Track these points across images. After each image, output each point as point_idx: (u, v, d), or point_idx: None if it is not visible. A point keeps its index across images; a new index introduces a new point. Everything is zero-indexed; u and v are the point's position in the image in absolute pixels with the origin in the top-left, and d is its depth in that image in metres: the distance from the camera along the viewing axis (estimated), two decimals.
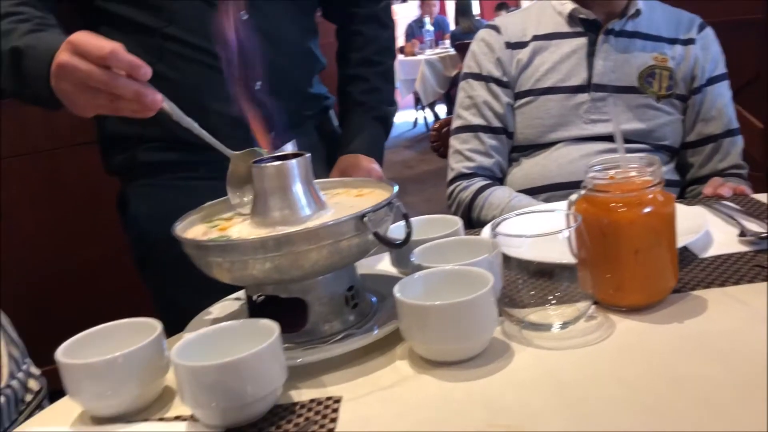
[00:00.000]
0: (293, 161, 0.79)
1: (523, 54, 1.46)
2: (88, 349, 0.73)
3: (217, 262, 0.75)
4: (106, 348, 0.72)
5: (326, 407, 0.68)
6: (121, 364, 0.70)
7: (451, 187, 1.49)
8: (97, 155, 1.29)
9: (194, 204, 0.91)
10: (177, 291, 1.10)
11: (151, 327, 0.75)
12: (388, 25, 1.42)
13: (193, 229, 0.85)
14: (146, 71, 0.81)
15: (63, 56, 0.84)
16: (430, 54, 7.21)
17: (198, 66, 1.13)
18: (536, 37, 1.46)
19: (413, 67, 7.23)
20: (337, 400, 0.69)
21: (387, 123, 1.39)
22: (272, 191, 0.79)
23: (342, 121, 1.41)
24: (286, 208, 0.79)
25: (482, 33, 1.52)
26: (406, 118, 8.49)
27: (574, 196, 0.81)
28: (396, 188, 0.83)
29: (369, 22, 1.39)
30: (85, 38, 0.83)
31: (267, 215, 0.80)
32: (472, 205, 1.43)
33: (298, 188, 0.80)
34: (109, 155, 1.25)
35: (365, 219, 0.74)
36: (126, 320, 0.77)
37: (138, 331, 0.74)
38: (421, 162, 6.23)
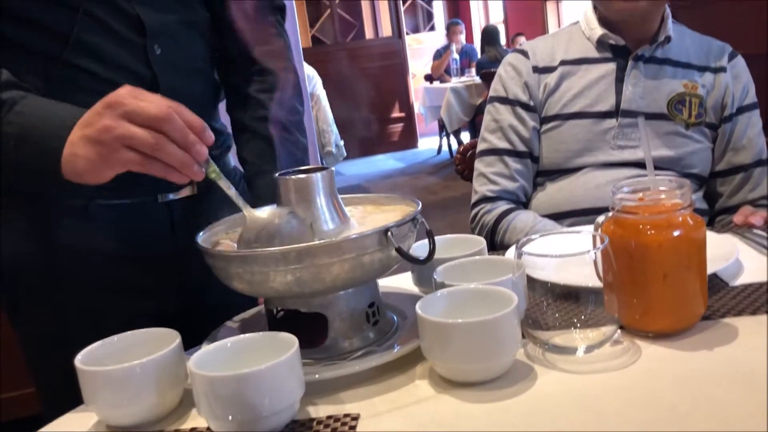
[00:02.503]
0: (317, 174, 0.79)
1: (551, 78, 1.45)
2: (107, 357, 0.73)
3: (238, 273, 0.74)
4: (126, 357, 0.72)
5: (343, 424, 0.67)
6: (139, 373, 0.70)
7: (475, 210, 1.48)
8: None
9: (82, 239, 0.86)
10: (55, 339, 0.94)
11: (170, 337, 0.74)
12: (294, 66, 1.17)
13: (215, 240, 0.85)
14: (210, 135, 0.77)
15: (108, 121, 0.74)
16: (456, 82, 7.24)
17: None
18: (564, 62, 1.45)
19: (439, 94, 7.26)
20: (355, 418, 0.68)
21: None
22: (296, 203, 0.79)
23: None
24: (308, 221, 0.79)
25: (510, 57, 1.52)
26: (431, 145, 8.51)
27: (601, 218, 0.80)
28: (420, 205, 0.83)
29: (275, 60, 1.13)
30: (132, 97, 0.75)
31: None
32: (495, 228, 1.42)
33: (321, 201, 0.79)
34: None
35: (389, 234, 0.73)
36: (146, 330, 0.77)
37: (158, 341, 0.74)
38: (444, 188, 6.23)
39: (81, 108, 0.79)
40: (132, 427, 0.72)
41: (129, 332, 0.77)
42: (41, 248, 0.98)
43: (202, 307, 1.02)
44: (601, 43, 1.43)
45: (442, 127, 7.64)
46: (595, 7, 1.44)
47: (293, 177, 0.79)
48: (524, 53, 1.49)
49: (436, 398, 0.70)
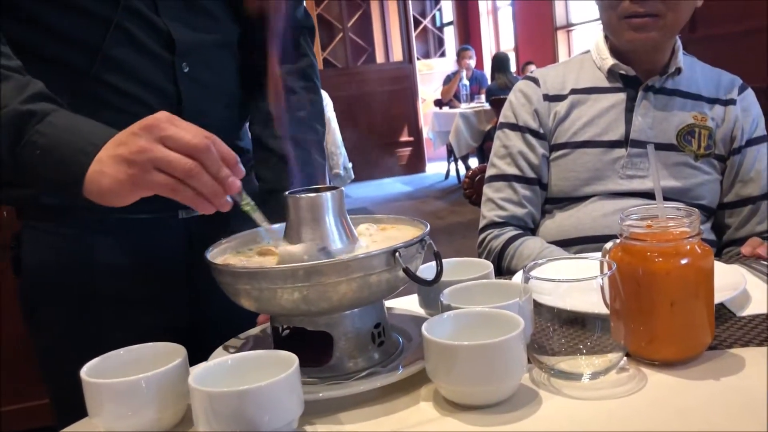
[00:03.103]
0: (327, 194, 0.80)
1: (561, 107, 1.46)
2: (113, 370, 0.73)
3: (246, 289, 0.75)
4: (131, 370, 0.72)
5: None
6: (143, 387, 0.70)
7: (483, 235, 1.48)
8: None
9: (101, 252, 0.86)
10: (69, 349, 0.92)
11: (176, 352, 0.75)
12: (318, 87, 1.19)
13: (224, 257, 0.85)
14: (241, 168, 0.76)
15: (143, 143, 0.73)
16: (465, 107, 7.28)
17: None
18: (575, 91, 1.46)
19: (448, 119, 7.30)
20: None
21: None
22: (305, 222, 0.79)
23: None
24: (317, 239, 0.79)
25: (521, 84, 1.53)
26: (438, 169, 8.54)
27: (609, 245, 0.80)
28: (428, 227, 0.83)
29: (300, 79, 1.15)
30: (169, 123, 0.74)
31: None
32: (502, 254, 1.42)
33: (330, 220, 0.80)
34: (6, 185, 1.02)
35: (397, 254, 0.74)
36: (153, 344, 0.77)
37: (164, 356, 0.74)
38: (451, 213, 6.23)
39: (113, 129, 0.79)
40: None
41: (135, 346, 0.77)
42: (60, 259, 1.00)
43: (215, 324, 1.02)
44: (611, 73, 1.44)
45: (450, 153, 7.67)
46: (606, 37, 1.46)
47: (303, 196, 0.80)
48: (535, 81, 1.51)
49: (441, 420, 0.70)
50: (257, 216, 0.80)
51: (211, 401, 0.64)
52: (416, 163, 9.05)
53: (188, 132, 0.74)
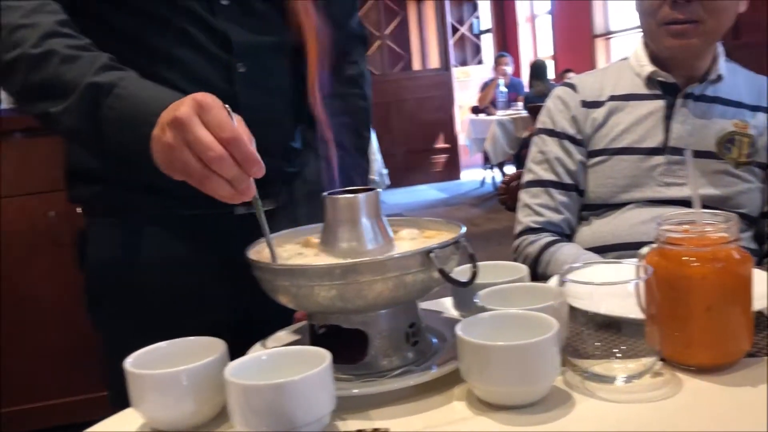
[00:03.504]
0: (364, 195, 0.81)
1: (599, 113, 1.46)
2: (156, 362, 0.75)
3: (284, 286, 0.77)
4: (173, 362, 0.75)
5: None
6: (185, 378, 0.72)
7: (518, 241, 1.48)
8: None
9: (161, 247, 0.89)
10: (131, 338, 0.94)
11: (217, 346, 0.77)
12: (367, 95, 1.23)
13: (264, 253, 0.87)
14: (260, 169, 0.76)
15: (185, 110, 0.75)
16: (502, 115, 7.25)
17: None
18: (613, 97, 1.46)
19: (484, 126, 7.28)
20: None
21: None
22: (342, 223, 0.81)
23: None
24: (353, 239, 0.81)
25: (558, 90, 1.53)
26: (474, 176, 8.51)
27: (645, 249, 0.80)
28: (464, 229, 0.84)
29: (349, 86, 1.19)
30: (214, 105, 0.75)
31: (335, 246, 0.81)
32: (538, 259, 1.42)
33: (366, 221, 0.81)
34: (74, 184, 1.09)
35: (432, 255, 0.75)
36: (195, 338, 0.80)
37: (205, 349, 0.76)
38: (487, 220, 6.21)
39: (174, 94, 0.81)
40: (175, 429, 0.74)
41: (178, 339, 0.79)
42: (123, 254, 1.04)
43: (266, 321, 1.04)
44: (650, 80, 1.43)
45: (486, 160, 7.64)
46: (645, 44, 1.45)
47: (340, 196, 0.82)
48: (573, 87, 1.50)
49: (473, 420, 0.70)
50: (262, 219, 0.81)
51: (245, 394, 0.66)
52: (452, 170, 9.04)
53: (222, 120, 0.75)
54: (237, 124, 0.75)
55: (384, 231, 0.83)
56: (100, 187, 1.05)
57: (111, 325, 1.08)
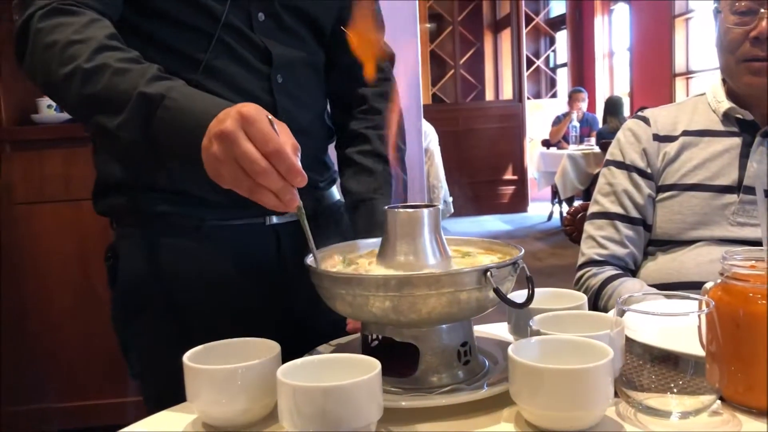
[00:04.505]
0: (425, 210, 0.82)
1: (671, 148, 1.43)
2: (212, 359, 0.78)
3: (341, 294, 0.78)
4: (228, 361, 0.77)
5: None
6: (239, 375, 0.74)
7: (580, 273, 1.46)
8: None
9: (195, 260, 0.92)
10: (164, 351, 0.94)
11: (271, 348, 0.79)
12: (398, 108, 1.23)
13: (328, 262, 0.89)
14: (303, 179, 0.77)
15: (230, 124, 0.76)
16: (573, 149, 7.16)
17: None
18: (687, 132, 1.43)
19: (555, 160, 7.19)
20: None
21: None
22: (401, 236, 0.82)
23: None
24: (411, 254, 0.82)
25: (630, 123, 1.51)
26: (541, 210, 8.40)
27: (709, 284, 0.78)
28: (522, 251, 0.84)
29: (383, 100, 1.22)
30: (258, 118, 0.76)
31: (393, 259, 0.83)
32: (600, 292, 1.39)
33: (425, 237, 0.82)
34: (103, 196, 1.10)
35: (488, 273, 0.75)
36: (251, 339, 0.82)
37: (258, 350, 0.78)
38: (551, 255, 6.11)
39: (222, 102, 0.83)
40: (225, 427, 0.76)
41: (235, 339, 0.82)
42: (156, 269, 1.06)
43: (302, 331, 1.06)
44: (727, 117, 1.40)
45: (555, 194, 7.53)
46: (723, 81, 1.42)
47: (401, 210, 0.83)
48: (645, 120, 1.48)
49: None
50: (306, 227, 0.83)
51: (295, 394, 0.67)
52: (519, 203, 8.95)
53: (266, 133, 0.76)
54: (281, 134, 0.77)
55: (442, 248, 0.84)
56: (128, 197, 1.06)
57: (146, 340, 1.07)
